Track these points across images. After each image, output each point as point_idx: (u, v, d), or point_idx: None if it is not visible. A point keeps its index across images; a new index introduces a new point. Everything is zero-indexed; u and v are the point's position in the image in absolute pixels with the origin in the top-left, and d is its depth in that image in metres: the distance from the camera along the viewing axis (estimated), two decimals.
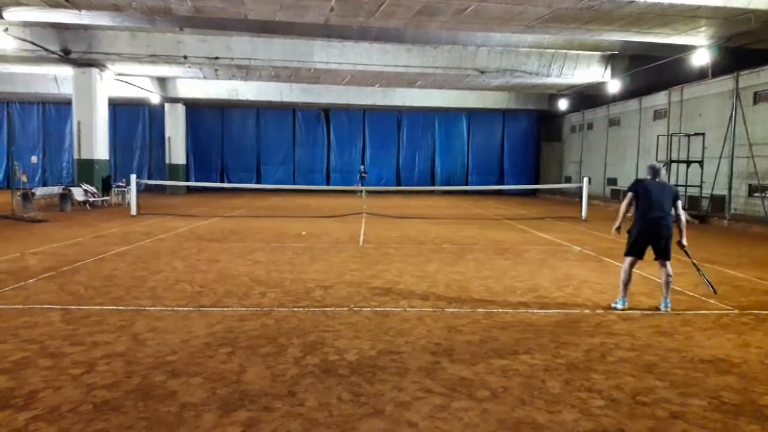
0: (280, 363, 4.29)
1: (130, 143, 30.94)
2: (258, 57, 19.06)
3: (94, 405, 3.49)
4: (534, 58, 20.02)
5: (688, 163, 16.97)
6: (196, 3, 12.48)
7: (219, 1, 12.33)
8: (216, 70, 20.90)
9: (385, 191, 28.63)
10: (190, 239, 11.20)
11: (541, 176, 32.71)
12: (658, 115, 21.04)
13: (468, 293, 6.83)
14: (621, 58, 20.26)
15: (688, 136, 17.33)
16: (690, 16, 12.32)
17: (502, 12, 12.50)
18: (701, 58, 15.34)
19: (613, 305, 6.17)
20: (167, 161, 29.10)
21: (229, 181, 30.57)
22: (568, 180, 28.63)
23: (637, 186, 6.01)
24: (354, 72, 20.56)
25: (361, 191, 25.28)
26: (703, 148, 16.77)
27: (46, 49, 17.54)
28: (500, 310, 6.05)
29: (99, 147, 20.11)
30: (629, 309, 6.08)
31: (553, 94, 26.38)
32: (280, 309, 5.91)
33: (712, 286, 6.30)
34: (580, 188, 17.34)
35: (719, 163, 16.48)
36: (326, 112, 31.79)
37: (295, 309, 5.92)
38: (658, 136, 19.06)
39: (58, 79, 24.36)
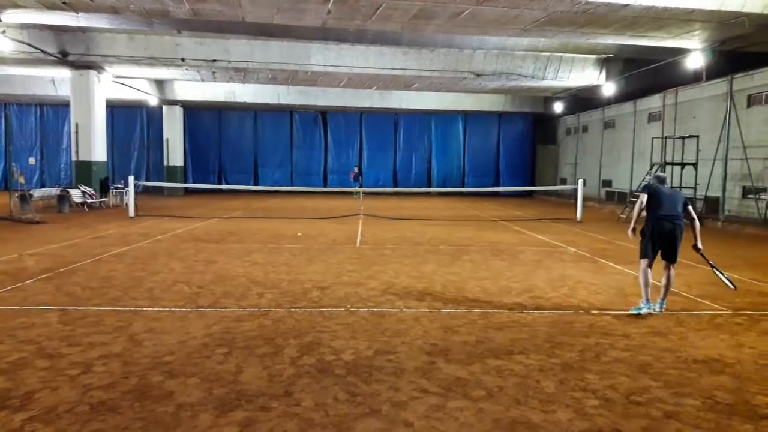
0: (277, 363, 4.32)
1: (128, 145, 30.91)
2: (255, 59, 19.10)
3: (90, 405, 3.51)
4: (530, 61, 20.10)
5: (683, 165, 17.06)
6: (194, 6, 12.50)
7: (217, 3, 12.34)
8: (213, 72, 20.91)
9: (382, 193, 28.66)
10: (187, 240, 11.21)
11: (536, 178, 32.85)
12: (653, 117, 21.15)
13: (464, 294, 6.86)
14: (616, 61, 20.37)
15: (683, 138, 17.42)
16: (684, 20, 12.40)
17: (498, 15, 12.56)
18: (695, 61, 15.43)
19: (633, 311, 5.97)
20: (165, 163, 29.11)
21: (227, 183, 30.62)
22: (564, 182, 28.75)
23: (649, 188, 6.09)
24: (351, 75, 20.62)
25: (358, 192, 25.31)
26: (698, 150, 16.86)
27: (43, 51, 17.53)
28: (496, 310, 6.09)
29: (97, 149, 20.11)
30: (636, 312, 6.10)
31: (548, 96, 26.50)
32: (277, 310, 5.93)
33: (731, 283, 6.21)
34: (575, 190, 17.41)
35: (713, 165, 16.57)
36: (323, 114, 31.84)
37: (292, 310, 5.94)
38: (652, 138, 19.15)
39: (55, 81, 24.35)
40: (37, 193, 17.90)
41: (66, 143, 28.84)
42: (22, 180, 16.15)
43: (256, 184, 30.56)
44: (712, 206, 16.98)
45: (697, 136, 17.05)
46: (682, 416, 3.52)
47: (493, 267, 8.81)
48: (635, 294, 6.94)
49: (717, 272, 6.30)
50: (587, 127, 27.18)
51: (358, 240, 11.75)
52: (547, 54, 19.97)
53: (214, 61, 18.94)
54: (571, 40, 15.37)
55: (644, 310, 5.91)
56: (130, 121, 30.68)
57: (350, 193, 26.37)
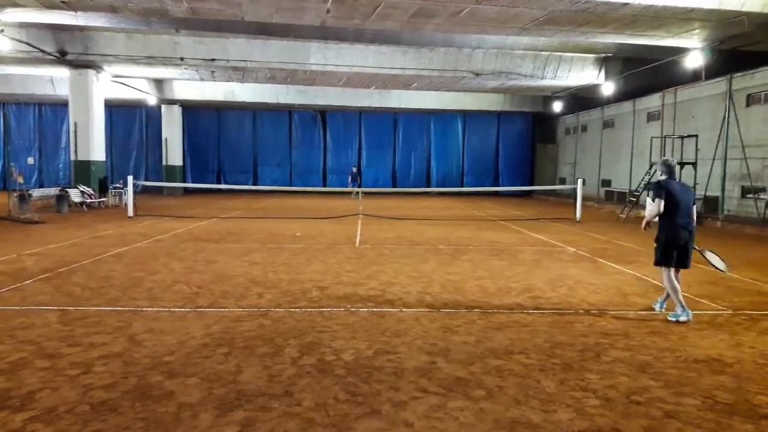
0: (277, 363, 4.31)
1: (127, 145, 30.90)
2: (254, 59, 19.08)
3: (91, 405, 3.51)
4: (529, 60, 20.11)
5: (682, 164, 17.06)
6: (193, 4, 12.49)
7: (215, 2, 12.33)
8: (212, 71, 20.90)
9: (381, 192, 28.65)
10: (187, 240, 11.20)
11: (535, 178, 32.85)
12: (652, 117, 21.15)
13: (463, 294, 6.86)
14: (615, 61, 20.38)
15: (682, 137, 17.43)
16: (684, 19, 12.41)
17: (498, 14, 12.56)
18: (695, 60, 15.44)
19: (672, 317, 5.75)
20: (164, 163, 29.10)
21: (226, 183, 30.58)
22: (563, 181, 28.75)
23: (665, 188, 5.79)
24: (350, 74, 20.60)
25: (357, 192, 25.28)
26: (697, 149, 16.87)
27: (42, 51, 17.50)
28: (495, 310, 6.08)
29: (96, 148, 20.09)
30: (662, 311, 6.09)
31: (547, 96, 26.50)
32: (276, 310, 5.92)
33: (723, 261, 6.08)
34: (575, 190, 17.42)
35: (712, 164, 16.58)
36: (322, 113, 31.82)
37: (292, 310, 5.93)
38: (651, 137, 19.16)
39: (54, 80, 24.30)
40: (35, 192, 17.87)
41: (65, 143, 28.82)
42: (20, 180, 16.11)
43: (255, 183, 30.54)
44: (711, 206, 16.99)
45: (696, 136, 17.05)
46: (682, 416, 3.53)
47: (493, 267, 8.81)
48: (635, 293, 6.96)
49: (707, 257, 6.19)
50: (586, 126, 27.19)
51: (358, 240, 11.75)
52: (547, 53, 19.97)
53: (213, 60, 18.92)
54: (570, 39, 15.37)
55: (683, 318, 5.68)
56: (128, 121, 30.66)
57: (349, 194, 26.35)
